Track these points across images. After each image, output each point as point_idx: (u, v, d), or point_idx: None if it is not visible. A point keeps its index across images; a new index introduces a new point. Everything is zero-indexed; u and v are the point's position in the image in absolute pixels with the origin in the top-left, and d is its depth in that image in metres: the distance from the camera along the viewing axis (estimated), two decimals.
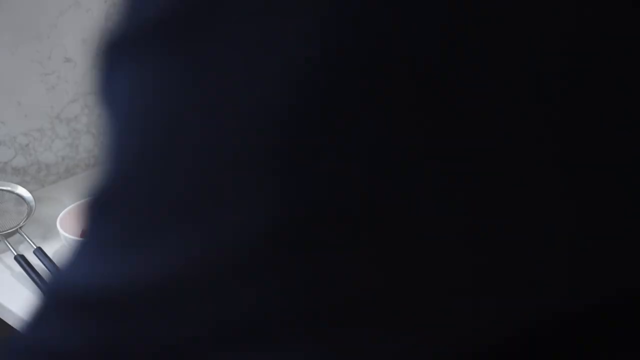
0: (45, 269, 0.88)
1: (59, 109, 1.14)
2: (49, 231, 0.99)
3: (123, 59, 0.26)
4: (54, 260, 0.90)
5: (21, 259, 0.88)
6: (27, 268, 0.87)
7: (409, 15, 0.22)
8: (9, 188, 1.00)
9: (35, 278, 0.85)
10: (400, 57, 0.22)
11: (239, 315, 0.25)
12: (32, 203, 0.99)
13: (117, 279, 0.27)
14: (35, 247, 0.91)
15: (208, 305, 0.25)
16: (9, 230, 0.93)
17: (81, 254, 0.29)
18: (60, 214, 0.91)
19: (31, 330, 0.31)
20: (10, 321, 0.84)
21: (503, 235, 0.24)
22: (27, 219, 0.96)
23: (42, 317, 0.30)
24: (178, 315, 0.26)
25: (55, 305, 0.29)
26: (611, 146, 0.23)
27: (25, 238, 0.93)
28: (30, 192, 1.00)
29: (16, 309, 0.82)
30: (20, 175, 1.10)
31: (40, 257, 0.89)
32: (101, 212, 0.28)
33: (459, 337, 0.26)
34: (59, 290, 0.29)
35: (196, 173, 0.25)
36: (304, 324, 0.25)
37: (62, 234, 0.88)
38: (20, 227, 0.94)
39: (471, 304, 0.25)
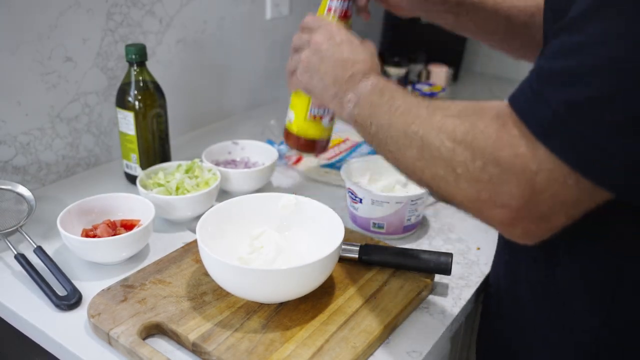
0: (46, 267, 0.88)
1: (60, 108, 1.14)
2: (50, 230, 0.99)
3: None
4: (54, 259, 0.90)
5: (21, 258, 0.88)
6: (27, 267, 0.87)
7: None
8: (9, 187, 1.00)
9: (36, 277, 0.85)
10: None
11: None
12: (33, 202, 0.99)
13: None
14: (35, 246, 0.91)
15: None
16: (9, 229, 0.93)
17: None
18: (61, 213, 0.91)
19: None
20: (10, 320, 0.84)
21: None
22: (27, 217, 0.96)
23: None
24: None
25: None
26: None
27: (25, 237, 0.92)
28: (31, 190, 1.00)
29: (16, 308, 0.82)
30: (21, 174, 1.10)
31: (40, 256, 0.89)
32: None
33: None
34: None
35: None
36: None
37: (62, 233, 0.88)
38: (21, 226, 0.94)
39: None
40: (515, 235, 0.59)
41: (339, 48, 0.80)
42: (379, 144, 0.70)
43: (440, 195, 0.63)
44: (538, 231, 0.57)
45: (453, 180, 0.59)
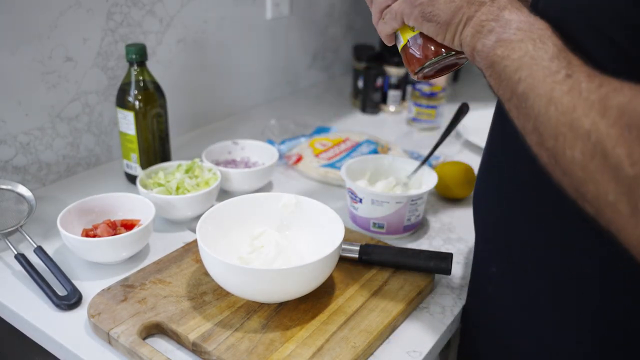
0: (46, 267, 0.88)
1: (60, 108, 1.14)
2: (50, 230, 0.99)
3: None
4: (55, 259, 0.89)
5: (21, 258, 0.88)
6: (28, 267, 0.87)
7: None
8: (9, 187, 1.00)
9: (36, 277, 0.85)
10: None
11: None
12: (33, 202, 0.98)
13: None
14: (35, 245, 0.90)
15: None
16: (10, 229, 0.93)
17: None
18: (61, 213, 0.91)
19: None
20: (10, 320, 0.84)
21: None
22: (27, 217, 0.96)
23: None
24: None
25: None
26: None
27: (25, 237, 0.92)
28: (31, 190, 1.00)
29: (16, 308, 0.82)
30: (21, 173, 1.10)
31: (40, 256, 0.89)
32: None
33: None
34: None
35: None
36: None
37: (62, 233, 0.87)
38: (21, 226, 0.94)
39: None
40: None
41: None
42: (522, 112, 0.53)
43: (601, 218, 0.48)
44: None
45: (628, 215, 0.44)
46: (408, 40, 0.69)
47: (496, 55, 0.56)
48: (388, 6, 0.69)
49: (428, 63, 0.68)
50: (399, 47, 0.71)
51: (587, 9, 0.54)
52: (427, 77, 0.72)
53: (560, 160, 0.49)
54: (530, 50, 0.53)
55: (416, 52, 0.69)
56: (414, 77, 0.71)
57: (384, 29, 0.71)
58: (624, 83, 0.46)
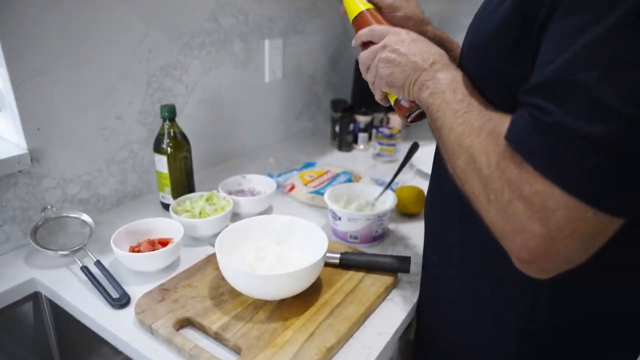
0: (103, 276, 0.88)
1: (112, 154, 1.14)
2: (106, 247, 0.99)
3: None
4: (110, 269, 0.90)
5: (85, 269, 0.88)
6: (90, 276, 0.87)
7: None
8: (76, 215, 1.00)
9: (96, 283, 0.85)
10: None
11: None
12: (93, 226, 0.99)
13: None
14: (95, 259, 0.91)
15: None
16: (76, 247, 0.93)
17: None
18: (113, 234, 0.91)
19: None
20: (78, 316, 0.84)
21: None
22: (89, 238, 0.96)
23: None
24: None
25: None
26: None
27: (87, 253, 0.92)
28: (91, 217, 1.00)
29: (82, 307, 0.83)
30: (84, 204, 1.10)
31: (99, 267, 0.89)
32: None
33: None
34: None
35: None
36: None
37: (114, 250, 0.88)
38: (84, 245, 0.94)
39: None
40: (531, 271, 0.47)
41: (415, 43, 0.67)
42: (439, 138, 0.58)
43: (476, 209, 0.52)
44: (556, 268, 0.46)
45: (485, 204, 0.49)
46: (395, 100, 0.74)
47: (428, 102, 0.62)
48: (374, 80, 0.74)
49: (410, 112, 0.73)
50: (392, 104, 0.76)
51: (478, 69, 0.59)
52: (414, 121, 0.76)
53: (455, 169, 0.55)
54: (447, 97, 0.59)
55: (401, 106, 0.73)
56: (406, 122, 0.75)
57: (375, 96, 0.76)
58: (497, 114, 0.52)
